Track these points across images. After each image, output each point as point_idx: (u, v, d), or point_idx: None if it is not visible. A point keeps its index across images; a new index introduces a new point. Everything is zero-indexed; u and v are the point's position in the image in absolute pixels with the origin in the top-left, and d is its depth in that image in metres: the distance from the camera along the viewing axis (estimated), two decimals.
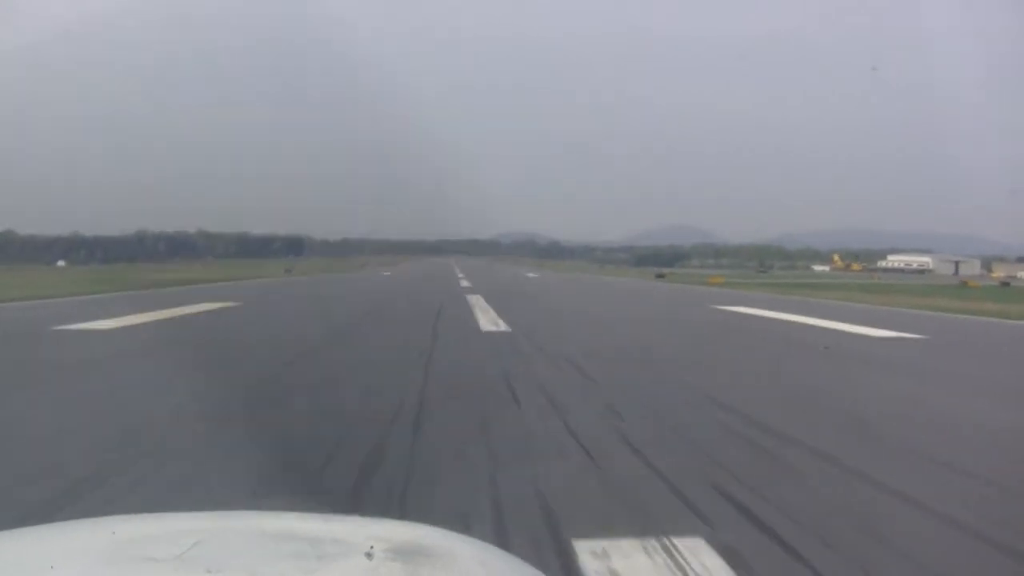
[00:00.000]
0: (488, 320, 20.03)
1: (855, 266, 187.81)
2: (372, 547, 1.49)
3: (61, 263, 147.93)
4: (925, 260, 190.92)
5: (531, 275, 77.67)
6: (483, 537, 1.93)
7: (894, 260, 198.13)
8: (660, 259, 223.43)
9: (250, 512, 1.99)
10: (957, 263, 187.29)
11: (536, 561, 2.55)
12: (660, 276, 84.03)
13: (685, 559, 4.19)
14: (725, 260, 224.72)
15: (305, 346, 14.59)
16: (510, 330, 17.58)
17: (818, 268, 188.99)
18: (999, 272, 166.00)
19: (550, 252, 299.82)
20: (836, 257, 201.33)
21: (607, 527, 4.68)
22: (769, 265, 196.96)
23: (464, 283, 49.67)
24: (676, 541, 4.43)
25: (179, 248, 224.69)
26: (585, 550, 4.29)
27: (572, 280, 64.56)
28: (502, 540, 4.36)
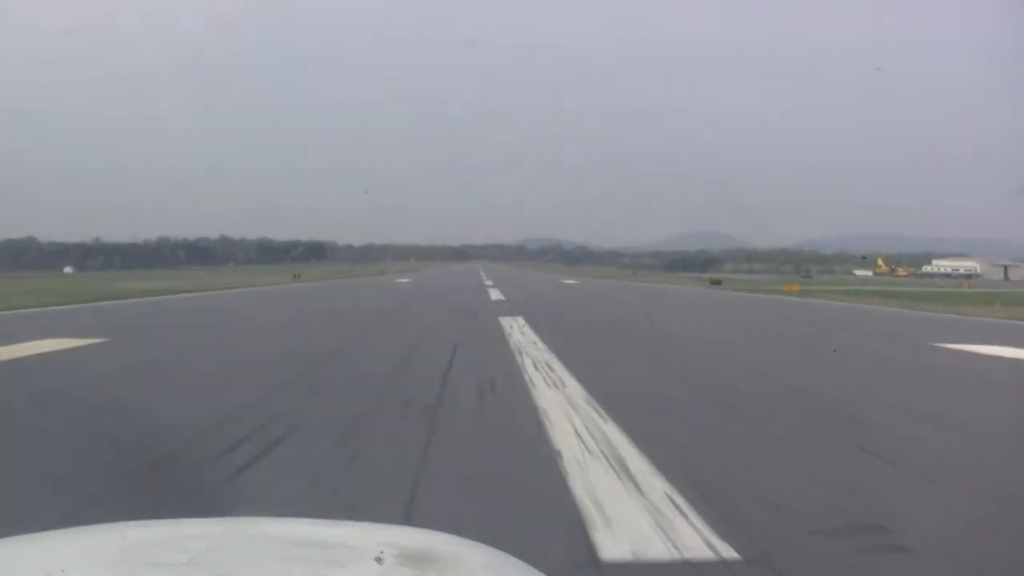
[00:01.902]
0: (583, 435, 6.61)
1: (901, 271, 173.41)
2: (382, 552, 1.46)
3: (68, 269, 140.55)
4: (972, 265, 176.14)
5: (569, 282, 66.17)
6: None
7: (939, 264, 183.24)
8: (691, 264, 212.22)
9: (260, 518, 1.91)
10: (1006, 268, 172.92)
11: None
12: (716, 283, 73.54)
13: None
14: (759, 265, 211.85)
15: None
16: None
17: (859, 273, 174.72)
18: None
19: (577, 257, 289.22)
20: (880, 261, 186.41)
21: None
22: (806, 270, 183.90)
23: (494, 294, 36.68)
24: None
25: (199, 254, 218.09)
26: None
27: (625, 289, 51.78)
28: None
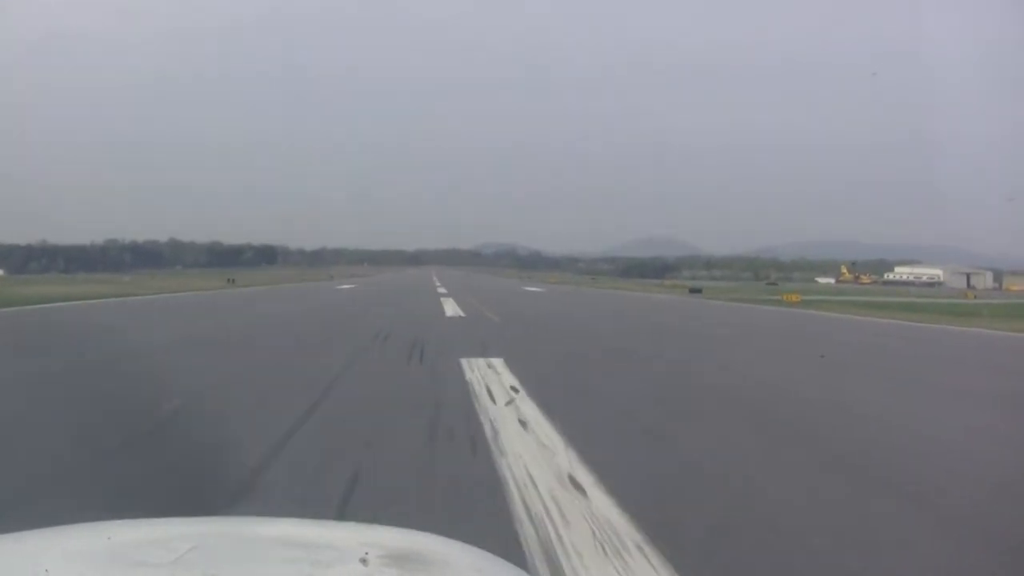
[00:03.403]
0: None
1: (864, 278, 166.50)
2: (367, 553, 1.41)
3: None
4: (935, 272, 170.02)
5: (533, 289, 57.38)
6: None
7: (901, 272, 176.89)
8: (647, 270, 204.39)
9: (246, 518, 1.83)
10: (968, 275, 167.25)
11: None
12: (696, 291, 65.58)
13: None
14: (718, 272, 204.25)
15: None
16: None
17: (822, 280, 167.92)
18: (1015, 285, 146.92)
19: (532, 263, 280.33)
20: (844, 269, 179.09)
21: None
22: (765, 276, 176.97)
23: (449, 307, 27.21)
24: None
25: (146, 257, 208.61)
26: None
27: (605, 299, 42.90)
28: None
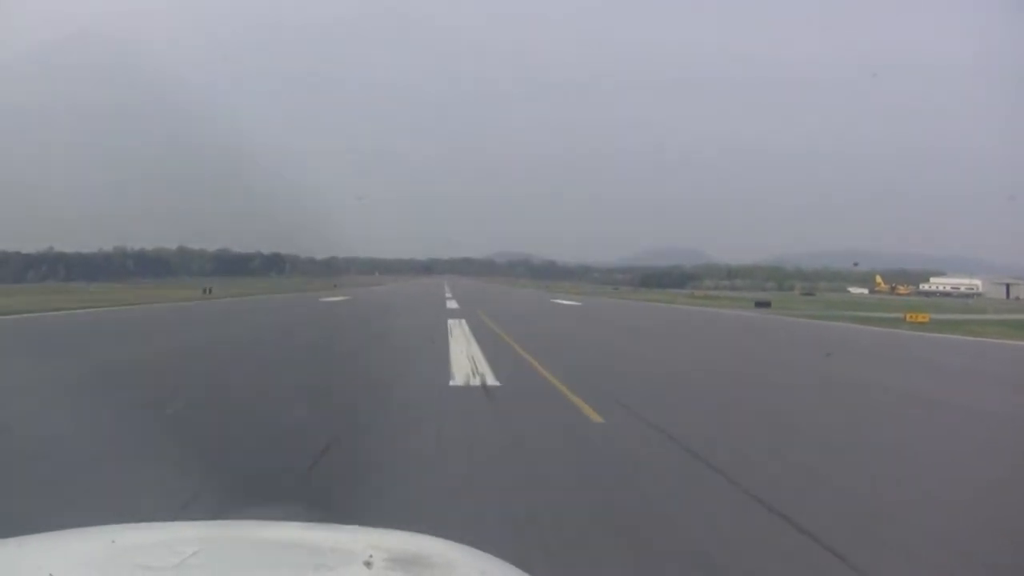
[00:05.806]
0: None
1: (901, 289, 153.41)
2: (371, 556, 1.37)
3: None
4: (974, 283, 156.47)
5: (567, 303, 45.27)
6: None
7: (937, 282, 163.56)
8: (665, 279, 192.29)
9: (250, 522, 1.85)
10: (1008, 285, 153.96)
11: None
12: (763, 304, 54.47)
13: None
14: (739, 281, 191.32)
15: None
16: None
17: (855, 291, 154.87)
18: None
19: (546, 272, 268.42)
20: (879, 279, 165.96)
21: None
22: (790, 286, 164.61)
23: (463, 356, 14.38)
24: None
25: (153, 265, 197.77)
26: None
27: (684, 321, 30.51)
28: None
